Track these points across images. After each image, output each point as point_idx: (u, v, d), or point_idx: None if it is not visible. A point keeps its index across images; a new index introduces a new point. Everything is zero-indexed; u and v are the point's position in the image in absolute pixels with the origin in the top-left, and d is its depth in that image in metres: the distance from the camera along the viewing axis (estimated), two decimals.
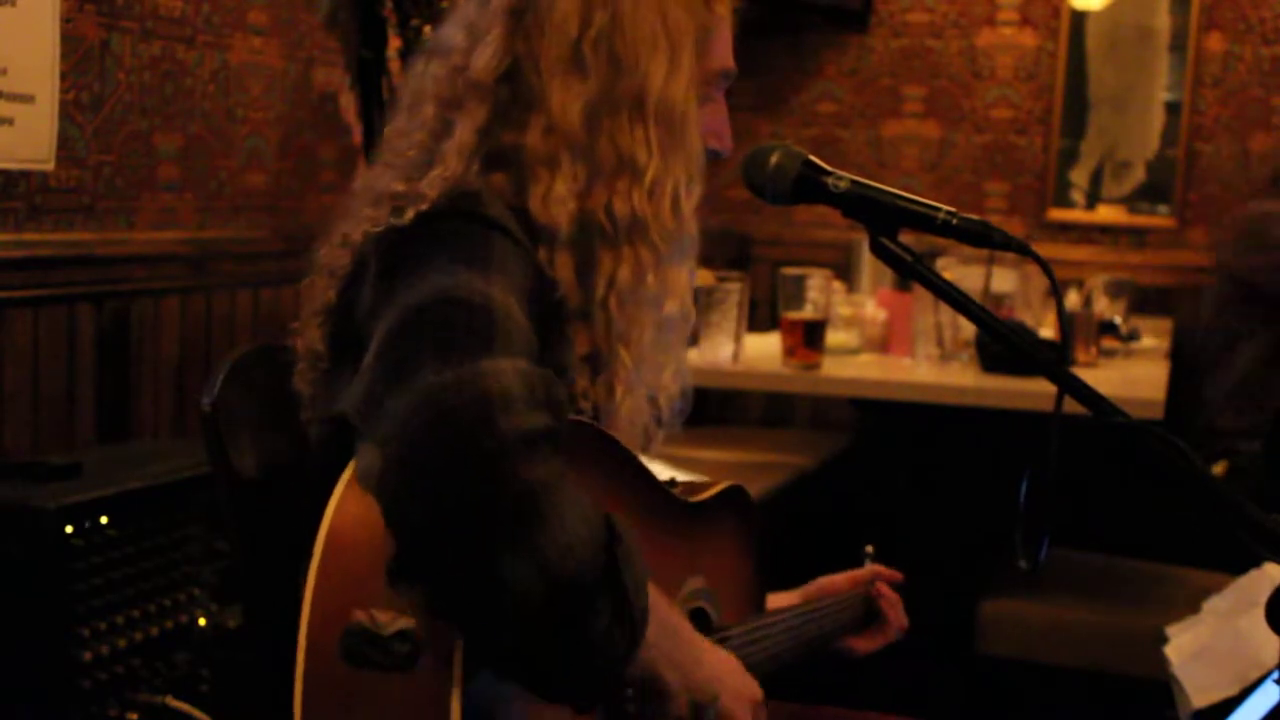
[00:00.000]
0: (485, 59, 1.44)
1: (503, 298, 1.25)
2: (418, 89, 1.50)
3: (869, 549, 1.94)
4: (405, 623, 1.14)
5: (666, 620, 1.33)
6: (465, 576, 1.12)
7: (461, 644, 1.15)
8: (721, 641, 1.56)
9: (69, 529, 2.01)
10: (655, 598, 1.27)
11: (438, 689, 1.14)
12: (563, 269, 1.40)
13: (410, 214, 1.35)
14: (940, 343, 3.20)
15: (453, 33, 1.50)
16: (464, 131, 1.43)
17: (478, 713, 1.19)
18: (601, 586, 1.16)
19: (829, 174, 1.41)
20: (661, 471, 1.61)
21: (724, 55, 1.52)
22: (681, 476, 1.74)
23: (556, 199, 1.40)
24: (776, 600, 1.80)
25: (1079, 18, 4.70)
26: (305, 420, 1.45)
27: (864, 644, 1.91)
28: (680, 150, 1.46)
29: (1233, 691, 1.84)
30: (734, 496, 1.69)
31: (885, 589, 1.92)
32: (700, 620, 1.57)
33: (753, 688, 1.45)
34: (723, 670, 1.41)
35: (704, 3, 1.49)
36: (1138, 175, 4.70)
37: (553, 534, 1.12)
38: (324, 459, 1.37)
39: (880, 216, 1.37)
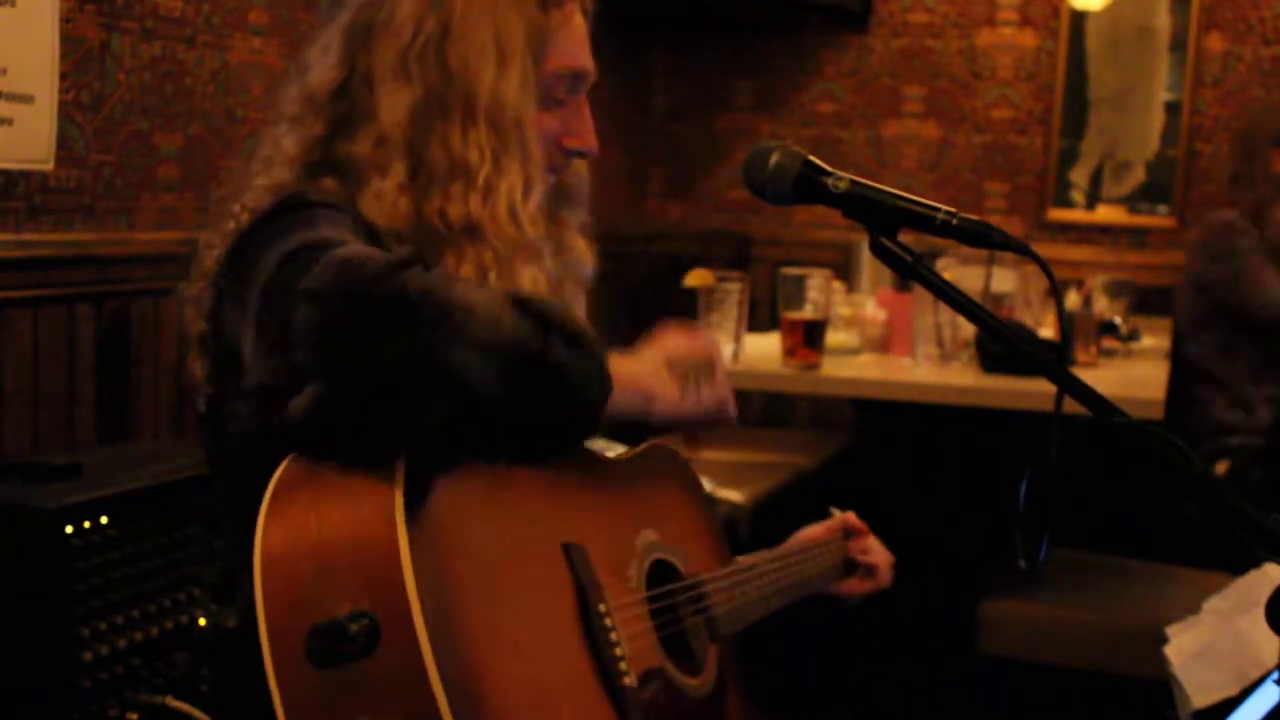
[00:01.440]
0: (320, 74, 1.50)
1: (338, 235, 1.30)
2: (275, 109, 1.55)
3: (832, 509, 1.98)
4: (355, 604, 1.15)
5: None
6: (431, 393, 1.18)
7: (418, 604, 1.14)
8: (701, 587, 1.57)
9: (69, 529, 2.01)
10: None
11: (408, 651, 1.14)
12: None
13: (245, 221, 1.42)
14: (940, 343, 3.20)
15: (309, 51, 1.54)
16: (290, 143, 1.49)
17: (450, 656, 1.17)
18: (542, 331, 1.23)
19: (829, 174, 1.41)
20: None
21: (570, 57, 1.53)
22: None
23: (387, 197, 1.44)
24: (754, 559, 1.80)
25: (1079, 18, 4.70)
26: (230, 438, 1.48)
27: (854, 587, 1.95)
28: (515, 154, 1.48)
29: (1233, 691, 1.84)
30: (659, 453, 1.69)
31: (856, 543, 1.95)
32: (666, 571, 1.55)
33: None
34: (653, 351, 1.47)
35: (539, 7, 1.50)
36: (1137, 175, 4.71)
37: (471, 315, 1.19)
38: (237, 476, 1.43)
39: (880, 217, 1.37)
